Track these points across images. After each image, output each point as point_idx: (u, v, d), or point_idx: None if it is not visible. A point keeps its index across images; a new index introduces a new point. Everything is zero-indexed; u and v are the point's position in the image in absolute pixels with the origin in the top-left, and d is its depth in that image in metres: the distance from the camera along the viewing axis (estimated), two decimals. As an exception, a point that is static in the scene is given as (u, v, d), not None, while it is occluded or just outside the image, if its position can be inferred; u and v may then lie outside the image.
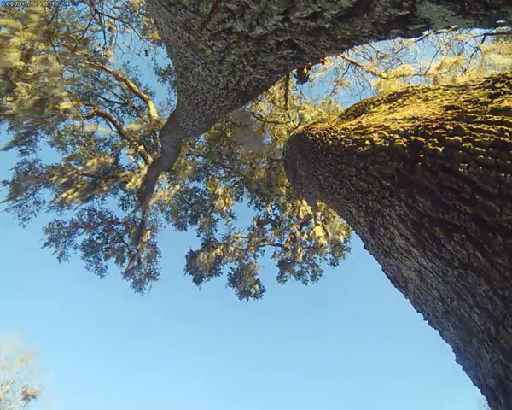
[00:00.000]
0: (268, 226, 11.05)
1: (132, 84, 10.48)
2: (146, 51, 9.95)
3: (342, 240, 10.27)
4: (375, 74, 8.45)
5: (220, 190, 10.27)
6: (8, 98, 7.81)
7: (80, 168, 10.16)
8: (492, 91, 1.44)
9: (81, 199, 9.92)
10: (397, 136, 1.76)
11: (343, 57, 8.50)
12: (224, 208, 10.27)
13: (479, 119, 1.33)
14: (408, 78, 7.98)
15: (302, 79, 6.64)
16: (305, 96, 9.68)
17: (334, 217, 9.78)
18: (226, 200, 10.25)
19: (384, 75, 8.21)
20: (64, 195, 9.66)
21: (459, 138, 1.33)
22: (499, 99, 1.35)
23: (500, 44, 7.49)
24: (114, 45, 9.84)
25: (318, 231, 10.13)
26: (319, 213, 10.03)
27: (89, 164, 10.22)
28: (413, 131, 1.64)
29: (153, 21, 8.56)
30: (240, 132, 8.82)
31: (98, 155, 10.48)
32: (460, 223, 1.20)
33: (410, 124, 1.73)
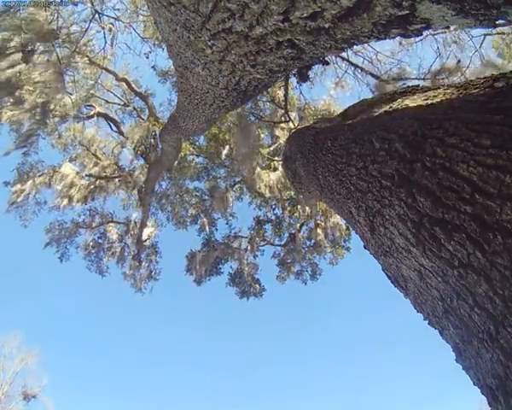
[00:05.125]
0: (268, 226, 11.06)
1: (133, 85, 10.49)
2: (146, 54, 9.94)
3: (342, 240, 10.28)
4: (374, 76, 8.46)
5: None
6: (10, 100, 7.83)
7: (81, 169, 10.18)
8: (492, 91, 1.44)
9: (82, 200, 9.93)
10: (397, 136, 1.76)
11: (343, 58, 8.50)
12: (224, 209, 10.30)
13: (478, 119, 1.33)
14: (407, 81, 7.97)
15: (302, 78, 6.64)
16: (305, 97, 9.69)
17: (333, 217, 9.78)
18: (226, 201, 10.28)
19: (384, 77, 8.21)
20: (65, 196, 9.68)
21: (459, 138, 1.33)
22: (499, 99, 1.35)
23: (500, 45, 7.49)
24: (115, 46, 9.85)
25: (318, 230, 10.13)
26: (319, 213, 10.03)
27: (90, 165, 10.24)
28: (413, 131, 1.64)
29: (153, 21, 8.56)
30: (238, 134, 8.83)
31: (99, 156, 10.50)
32: (460, 223, 1.20)
33: (410, 124, 1.73)
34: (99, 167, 10.15)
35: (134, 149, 10.03)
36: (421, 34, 1.59)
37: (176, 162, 10.04)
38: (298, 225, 10.79)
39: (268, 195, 9.94)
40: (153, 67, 10.41)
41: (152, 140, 10.17)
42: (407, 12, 1.32)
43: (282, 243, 10.96)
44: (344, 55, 7.98)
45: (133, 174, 10.29)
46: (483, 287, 1.11)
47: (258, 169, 9.66)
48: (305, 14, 1.53)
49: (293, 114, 9.37)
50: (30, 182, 9.86)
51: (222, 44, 2.11)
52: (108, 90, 10.77)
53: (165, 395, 30.57)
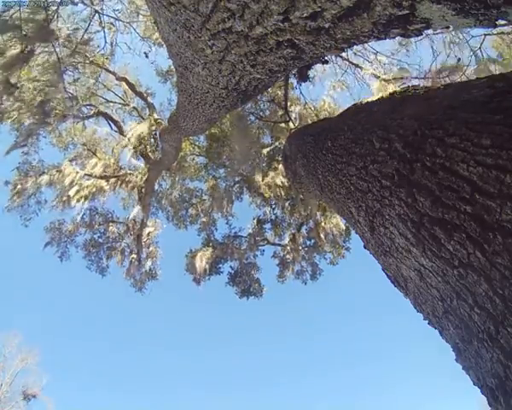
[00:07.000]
0: (268, 226, 11.05)
1: (133, 85, 10.49)
2: (146, 53, 9.93)
3: (341, 240, 10.28)
4: (374, 76, 8.45)
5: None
6: (10, 100, 7.83)
7: (81, 168, 10.18)
8: (492, 91, 1.44)
9: (82, 199, 9.93)
10: (396, 136, 1.76)
11: (343, 58, 8.50)
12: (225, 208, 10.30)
13: (478, 119, 1.33)
14: (408, 81, 7.95)
15: (302, 78, 6.64)
16: (305, 97, 9.68)
17: (333, 216, 9.78)
18: (226, 200, 10.28)
19: (384, 77, 8.20)
20: (65, 195, 9.68)
21: (459, 138, 1.33)
22: (499, 99, 1.35)
23: (500, 45, 7.48)
24: (115, 46, 9.85)
25: (318, 230, 10.13)
26: (319, 213, 10.03)
27: (90, 164, 10.25)
28: (413, 131, 1.64)
29: (153, 21, 8.55)
30: (238, 134, 8.82)
31: (99, 156, 10.50)
32: (460, 222, 1.20)
33: (410, 124, 1.73)
34: (99, 167, 10.15)
35: (134, 148, 10.02)
36: (422, 34, 1.59)
37: (176, 162, 10.05)
38: (297, 224, 10.78)
39: (268, 195, 9.93)
40: (152, 63, 10.40)
41: (152, 140, 10.17)
42: (407, 12, 1.32)
43: (282, 243, 10.96)
44: (344, 55, 7.97)
45: (133, 174, 10.29)
46: (483, 287, 1.11)
47: (258, 169, 9.66)
48: (305, 14, 1.53)
49: (293, 114, 9.37)
50: (30, 181, 9.87)
51: (222, 44, 2.11)
52: (109, 90, 10.78)
53: (164, 393, 30.60)
